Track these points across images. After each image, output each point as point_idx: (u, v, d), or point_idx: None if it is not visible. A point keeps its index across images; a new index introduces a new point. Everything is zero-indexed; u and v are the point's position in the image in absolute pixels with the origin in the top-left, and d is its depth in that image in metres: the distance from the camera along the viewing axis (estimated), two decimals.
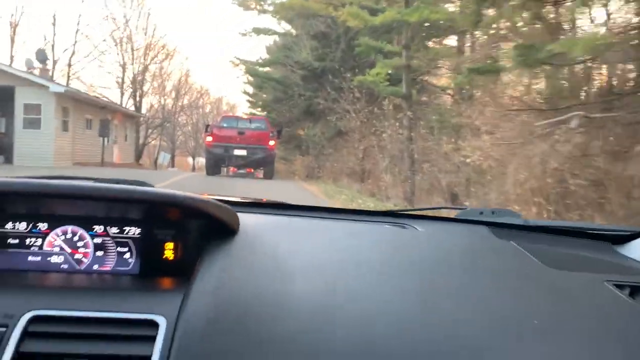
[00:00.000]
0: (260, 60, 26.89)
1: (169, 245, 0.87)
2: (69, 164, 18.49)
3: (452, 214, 1.33)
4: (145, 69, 33.45)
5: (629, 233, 1.15)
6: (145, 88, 33.91)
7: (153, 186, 0.89)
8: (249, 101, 34.84)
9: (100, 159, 20.54)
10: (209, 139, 15.80)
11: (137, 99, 32.95)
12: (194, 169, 49.49)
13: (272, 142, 15.89)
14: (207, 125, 17.21)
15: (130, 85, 33.00)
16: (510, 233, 1.14)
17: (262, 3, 26.37)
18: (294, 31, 24.40)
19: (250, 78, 29.54)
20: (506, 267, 0.96)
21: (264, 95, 28.94)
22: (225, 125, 16.41)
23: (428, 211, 1.40)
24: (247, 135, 15.74)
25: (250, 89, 32.94)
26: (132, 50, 32.81)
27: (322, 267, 0.85)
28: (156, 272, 0.85)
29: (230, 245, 0.86)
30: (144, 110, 33.98)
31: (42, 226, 0.87)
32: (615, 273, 0.97)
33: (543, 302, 0.84)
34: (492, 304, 0.81)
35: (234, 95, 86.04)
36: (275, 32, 26.76)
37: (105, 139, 21.27)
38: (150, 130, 35.06)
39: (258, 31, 27.82)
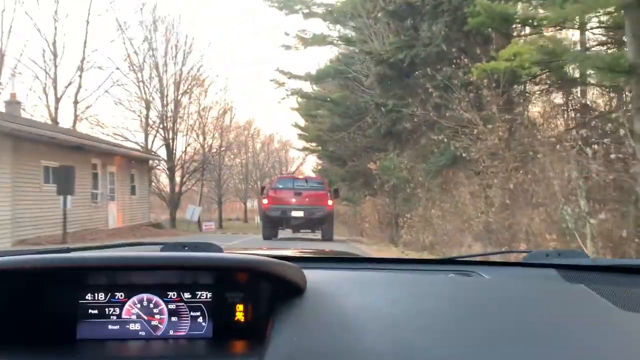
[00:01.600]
0: (311, 73, 21.14)
1: (240, 307, 0.91)
2: (7, 242, 11.45)
3: (517, 257, 1.44)
4: (178, 103, 28.09)
5: None
6: (177, 126, 28.19)
7: (222, 249, 1.00)
8: (300, 135, 29.68)
9: (65, 229, 12.53)
10: (265, 201, 15.60)
11: (170, 140, 27.57)
12: (246, 213, 44.57)
13: (330, 202, 15.49)
14: (262, 187, 17.25)
15: (160, 125, 27.57)
16: (579, 275, 1.14)
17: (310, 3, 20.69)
18: (351, 32, 18.49)
19: (300, 100, 24.07)
20: (579, 311, 0.95)
21: (318, 125, 23.36)
22: (280, 186, 16.22)
23: (492, 256, 1.47)
24: (303, 196, 15.48)
25: (302, 121, 27.62)
26: (160, 77, 27.07)
27: (392, 321, 0.85)
28: (229, 335, 0.90)
29: (299, 305, 0.87)
30: (179, 153, 28.59)
31: (120, 295, 0.90)
32: None
33: (619, 347, 0.83)
34: (568, 352, 0.80)
35: (285, 131, 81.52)
36: (327, 40, 21.00)
37: (68, 197, 12.95)
38: (187, 176, 29.49)
39: (306, 42, 22.13)
